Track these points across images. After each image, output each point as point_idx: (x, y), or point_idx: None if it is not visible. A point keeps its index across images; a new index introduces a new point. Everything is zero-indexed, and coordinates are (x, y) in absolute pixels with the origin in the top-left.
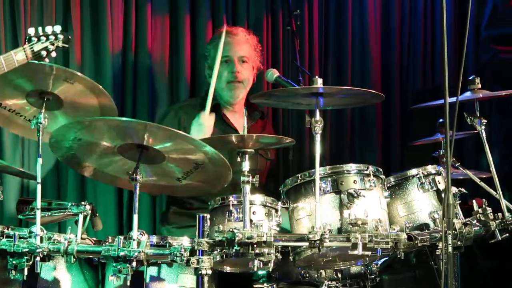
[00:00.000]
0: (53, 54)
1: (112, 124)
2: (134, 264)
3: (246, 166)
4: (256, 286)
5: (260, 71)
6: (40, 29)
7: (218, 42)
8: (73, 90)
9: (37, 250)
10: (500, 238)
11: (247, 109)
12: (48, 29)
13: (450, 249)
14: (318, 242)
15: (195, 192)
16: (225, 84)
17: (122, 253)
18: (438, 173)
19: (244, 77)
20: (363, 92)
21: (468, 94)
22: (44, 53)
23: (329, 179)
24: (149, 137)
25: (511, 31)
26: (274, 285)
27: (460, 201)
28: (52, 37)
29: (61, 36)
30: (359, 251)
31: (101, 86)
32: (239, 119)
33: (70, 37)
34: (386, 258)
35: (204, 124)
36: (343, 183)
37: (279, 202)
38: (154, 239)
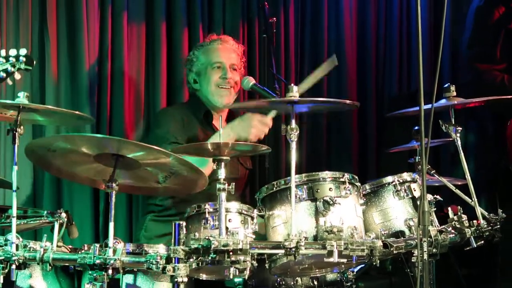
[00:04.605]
0: (17, 77)
1: (87, 139)
2: (110, 271)
3: (221, 173)
4: None
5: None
6: (3, 51)
7: (208, 48)
8: None
9: (13, 258)
10: (475, 246)
11: (228, 116)
12: (12, 52)
13: (425, 256)
14: (293, 249)
15: (174, 193)
16: (215, 88)
17: (98, 261)
18: (414, 181)
19: (233, 84)
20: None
21: (443, 101)
22: (3, 74)
23: (305, 186)
24: (123, 149)
25: (493, 50)
26: None
27: (435, 209)
28: (13, 59)
29: (23, 59)
30: (334, 258)
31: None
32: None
33: (34, 60)
34: (362, 266)
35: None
36: (318, 190)
37: (255, 210)
38: (130, 246)
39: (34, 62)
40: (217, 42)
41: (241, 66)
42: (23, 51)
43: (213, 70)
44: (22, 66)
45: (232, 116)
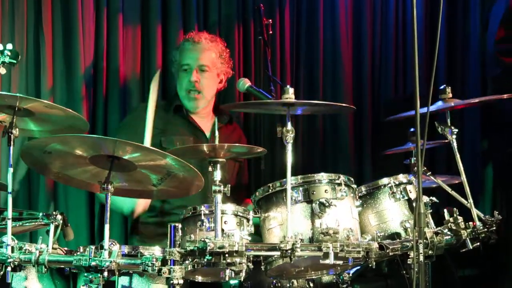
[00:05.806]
0: (2, 71)
1: (82, 140)
2: (105, 274)
3: (218, 175)
4: None
5: (230, 76)
6: None
7: (181, 48)
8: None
9: (8, 260)
10: (471, 247)
11: (214, 112)
12: None
13: (421, 258)
14: (289, 251)
15: (170, 196)
16: (185, 93)
17: (93, 263)
18: (410, 182)
19: (203, 86)
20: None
21: (439, 103)
22: None
23: (301, 188)
24: (119, 150)
25: None
26: None
27: (431, 210)
28: None
29: (8, 52)
30: (330, 260)
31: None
32: (206, 123)
33: (19, 54)
34: (358, 267)
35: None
36: (314, 192)
37: (251, 212)
38: (126, 249)
39: (20, 57)
40: (189, 42)
41: (220, 63)
42: (9, 46)
43: (182, 73)
44: (7, 59)
45: (221, 113)
